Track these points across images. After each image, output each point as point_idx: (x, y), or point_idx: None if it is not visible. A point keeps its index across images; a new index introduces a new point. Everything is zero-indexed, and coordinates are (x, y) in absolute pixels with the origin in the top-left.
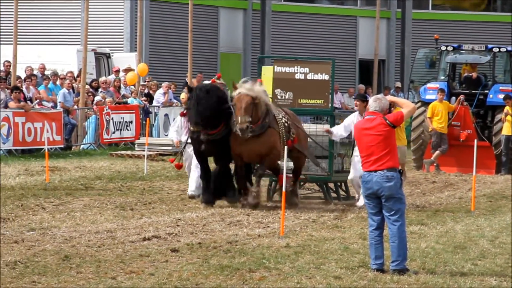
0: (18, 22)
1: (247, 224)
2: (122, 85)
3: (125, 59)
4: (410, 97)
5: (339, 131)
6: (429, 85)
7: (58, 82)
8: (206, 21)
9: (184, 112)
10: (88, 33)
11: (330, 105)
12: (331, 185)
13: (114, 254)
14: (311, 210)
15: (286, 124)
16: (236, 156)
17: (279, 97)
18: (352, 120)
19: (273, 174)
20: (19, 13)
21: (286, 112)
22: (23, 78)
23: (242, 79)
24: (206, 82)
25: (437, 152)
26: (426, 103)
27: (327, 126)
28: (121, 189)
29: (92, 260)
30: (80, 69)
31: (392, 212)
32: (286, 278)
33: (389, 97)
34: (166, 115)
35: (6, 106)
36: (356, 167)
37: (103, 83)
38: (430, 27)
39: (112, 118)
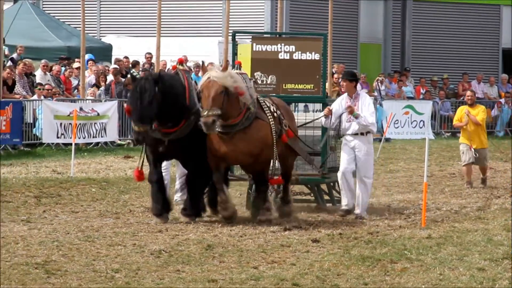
0: (162, 15)
1: (388, 215)
2: None
3: None
4: None
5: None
6: None
7: (200, 74)
8: (346, 10)
9: (127, 107)
10: (230, 25)
11: (321, 90)
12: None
13: (255, 243)
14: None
15: (275, 113)
16: (218, 159)
17: (259, 82)
18: (339, 104)
19: (252, 177)
20: (162, 6)
21: (273, 100)
22: (165, 69)
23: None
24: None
25: None
26: None
27: (320, 115)
28: None
29: (234, 250)
30: (222, 60)
31: None
32: (428, 270)
33: None
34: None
35: None
36: (344, 159)
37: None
38: None
39: None
